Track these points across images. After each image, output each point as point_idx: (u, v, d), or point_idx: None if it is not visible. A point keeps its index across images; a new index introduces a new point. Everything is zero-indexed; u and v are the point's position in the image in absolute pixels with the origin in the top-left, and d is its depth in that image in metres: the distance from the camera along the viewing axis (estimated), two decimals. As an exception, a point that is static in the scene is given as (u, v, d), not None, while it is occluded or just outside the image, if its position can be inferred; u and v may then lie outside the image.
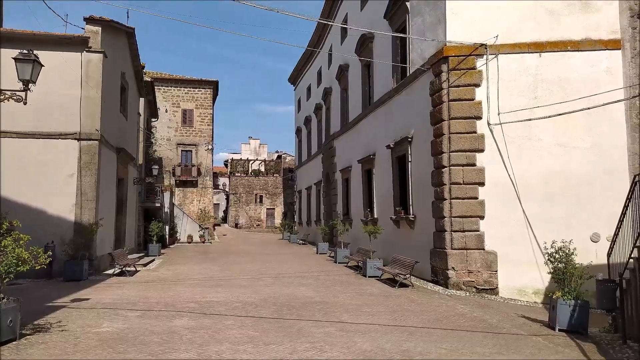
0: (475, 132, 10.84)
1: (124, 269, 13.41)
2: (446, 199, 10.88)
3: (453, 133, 10.93)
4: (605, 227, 9.78)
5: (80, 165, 13.27)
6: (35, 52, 7.90)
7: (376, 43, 16.20)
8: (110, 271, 13.75)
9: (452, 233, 10.71)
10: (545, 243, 8.04)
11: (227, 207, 50.39)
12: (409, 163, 13.23)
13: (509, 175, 10.62)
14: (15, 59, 7.56)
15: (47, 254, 6.69)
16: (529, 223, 10.46)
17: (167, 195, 26.91)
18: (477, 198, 10.70)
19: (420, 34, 12.45)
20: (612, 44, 10.67)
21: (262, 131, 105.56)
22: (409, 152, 13.22)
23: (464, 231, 10.64)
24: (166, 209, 26.66)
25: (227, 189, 51.02)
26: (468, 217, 10.67)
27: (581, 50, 10.70)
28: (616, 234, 7.84)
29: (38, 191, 12.81)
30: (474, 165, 10.78)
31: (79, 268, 12.14)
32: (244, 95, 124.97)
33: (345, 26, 19.18)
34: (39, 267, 6.37)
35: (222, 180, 55.05)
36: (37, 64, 7.65)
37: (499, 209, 10.60)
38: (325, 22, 21.08)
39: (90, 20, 13.95)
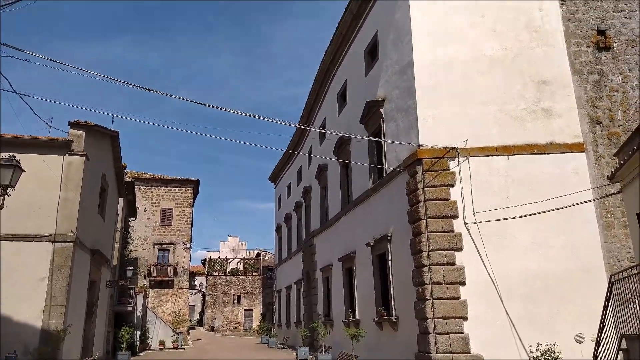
0: (452, 231, 11.00)
1: (89, 381, 12.47)
2: (428, 299, 10.71)
3: (431, 232, 11.06)
4: (588, 327, 9.66)
5: (53, 268, 12.83)
6: (17, 155, 8.02)
7: (353, 145, 16.86)
8: (74, 384, 12.75)
9: (437, 336, 10.39)
10: (530, 346, 7.87)
11: (203, 309, 48.42)
12: (390, 262, 13.17)
13: (489, 275, 10.62)
14: (-4, 164, 7.62)
15: (7, 368, 6.24)
16: (512, 324, 10.27)
17: (140, 297, 25.89)
18: (459, 298, 10.57)
19: (394, 137, 13.07)
20: (576, 147, 11.33)
21: (242, 229, 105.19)
22: (389, 250, 13.23)
23: (448, 333, 10.35)
24: (138, 313, 25.49)
25: (203, 289, 49.39)
26: (452, 319, 10.44)
27: (547, 153, 11.30)
28: (599, 335, 7.76)
29: (6, 297, 12.18)
30: (453, 264, 10.79)
31: (40, 381, 11.24)
32: (225, 192, 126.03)
33: (324, 131, 20.06)
34: (-3, 383, 5.91)
35: (199, 280, 53.46)
36: (18, 169, 7.73)
37: (482, 310, 10.44)
38: (304, 127, 22.06)
39: (74, 124, 14.29)
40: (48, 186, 13.36)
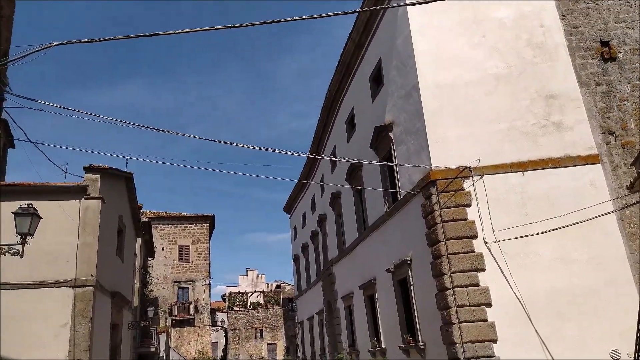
0: (473, 252, 10.82)
1: None
2: (455, 323, 10.47)
3: (451, 253, 10.89)
4: (623, 342, 9.34)
5: (75, 313, 12.85)
6: (34, 203, 8.15)
7: (365, 170, 16.87)
8: None
9: (466, 360, 10.11)
10: (564, 366, 7.62)
11: (226, 346, 47.84)
12: (411, 286, 12.96)
13: (515, 294, 10.37)
14: (14, 213, 7.76)
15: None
16: (544, 344, 9.97)
17: (162, 337, 25.77)
18: (486, 320, 10.31)
19: (406, 160, 13.05)
20: (591, 159, 11.18)
21: (260, 261, 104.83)
22: (410, 275, 13.03)
23: (478, 357, 10.04)
24: (162, 353, 25.32)
25: (225, 325, 48.94)
26: (480, 342, 10.16)
27: (562, 167, 11.16)
28: (637, 351, 7.48)
29: (29, 345, 12.19)
30: (477, 285, 10.57)
31: None
32: (240, 226, 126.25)
33: (334, 159, 20.13)
34: None
35: (220, 316, 52.98)
36: (35, 216, 7.85)
37: (510, 331, 10.15)
38: (314, 156, 22.18)
39: (89, 169, 14.52)
40: (66, 231, 13.50)
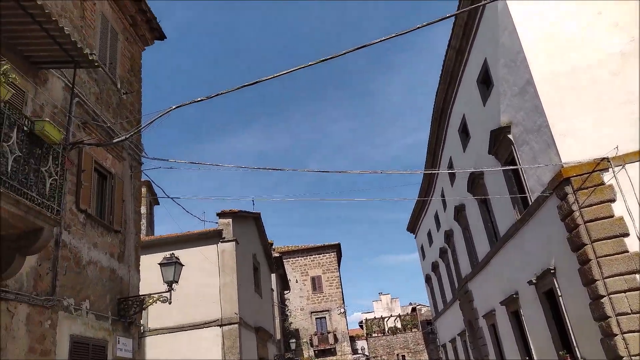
0: (627, 252, 9.55)
1: None
2: (617, 334, 9.24)
3: (601, 256, 9.72)
4: None
5: (224, 350, 13.76)
6: (179, 252, 9.00)
7: (487, 178, 15.96)
8: None
9: (639, 377, 8.82)
10: None
11: (370, 373, 47.49)
12: (560, 297, 11.77)
13: (689, 295, 8.89)
14: (160, 264, 8.62)
15: None
16: None
17: (307, 368, 26.39)
18: (656, 328, 8.95)
19: (531, 160, 12.10)
20: None
21: (391, 284, 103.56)
22: (556, 285, 11.86)
23: (652, 372, 8.73)
24: (308, 384, 25.89)
25: (366, 352, 48.72)
26: (652, 354, 8.83)
27: None
28: None
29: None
30: (637, 289, 9.27)
31: None
32: (366, 250, 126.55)
33: (452, 171, 19.41)
34: None
35: (359, 344, 52.93)
36: (178, 265, 8.63)
37: (690, 339, 8.68)
38: (431, 172, 21.62)
39: (222, 214, 15.79)
40: (209, 274, 14.68)
